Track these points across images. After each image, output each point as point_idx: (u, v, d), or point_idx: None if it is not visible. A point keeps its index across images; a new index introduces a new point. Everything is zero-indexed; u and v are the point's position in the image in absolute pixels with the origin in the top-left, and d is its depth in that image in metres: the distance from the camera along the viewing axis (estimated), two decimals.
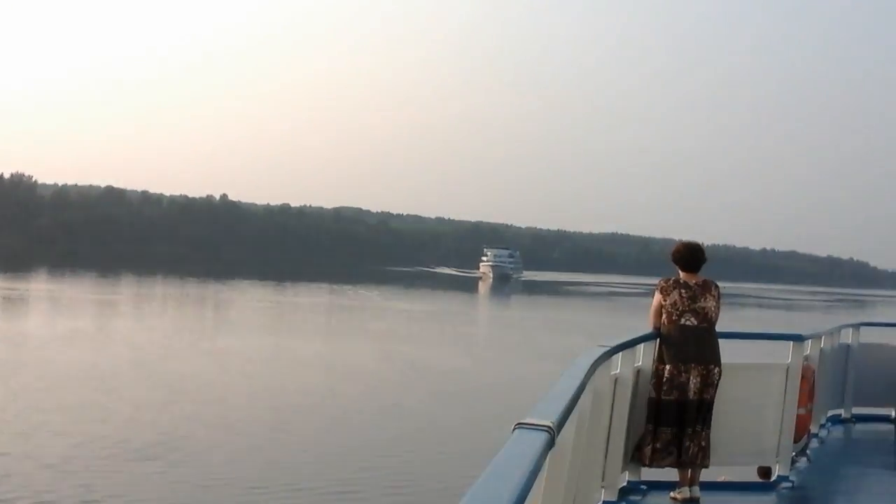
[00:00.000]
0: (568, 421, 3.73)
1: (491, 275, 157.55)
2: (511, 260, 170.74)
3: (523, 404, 3.51)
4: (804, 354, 9.11)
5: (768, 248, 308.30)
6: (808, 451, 9.97)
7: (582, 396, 4.44)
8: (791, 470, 8.91)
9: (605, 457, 7.33)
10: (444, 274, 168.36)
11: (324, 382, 29.84)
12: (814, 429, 10.73)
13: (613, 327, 52.00)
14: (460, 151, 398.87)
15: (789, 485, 8.77)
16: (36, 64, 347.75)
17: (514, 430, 3.00)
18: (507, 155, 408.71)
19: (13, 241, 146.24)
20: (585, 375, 4.70)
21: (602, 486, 7.44)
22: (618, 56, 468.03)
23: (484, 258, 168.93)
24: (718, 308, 7.96)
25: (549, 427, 3.05)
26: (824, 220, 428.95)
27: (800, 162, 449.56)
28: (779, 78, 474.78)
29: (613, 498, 7.57)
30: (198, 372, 30.76)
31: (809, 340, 9.53)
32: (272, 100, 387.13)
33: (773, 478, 8.83)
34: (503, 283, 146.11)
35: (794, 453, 9.13)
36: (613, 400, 7.35)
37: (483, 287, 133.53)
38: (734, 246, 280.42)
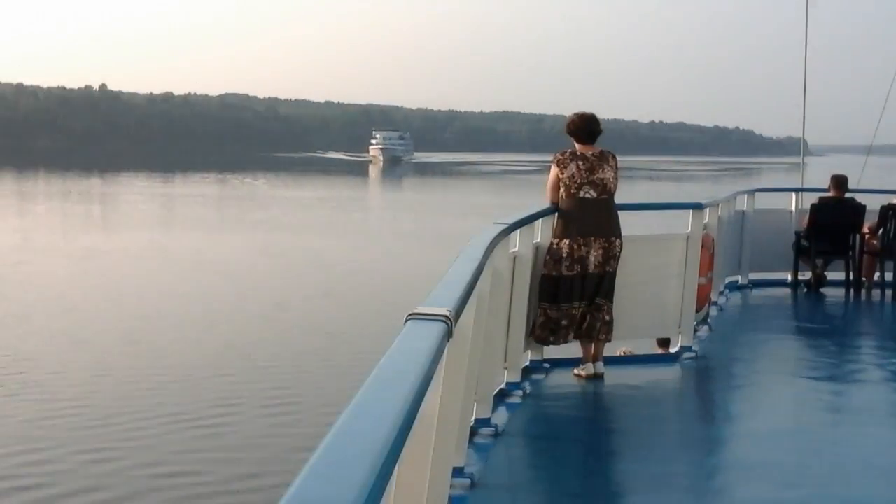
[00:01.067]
0: (466, 305, 3.55)
1: (381, 158, 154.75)
2: (401, 142, 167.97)
3: (419, 294, 3.20)
4: (703, 223, 9.04)
5: (656, 120, 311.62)
6: (708, 320, 10.02)
7: (480, 278, 4.22)
8: (693, 340, 8.92)
9: (507, 337, 7.21)
10: (333, 159, 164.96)
11: (194, 281, 27.78)
12: (713, 297, 10.77)
13: (508, 206, 51.23)
14: (347, 33, 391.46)
15: (692, 355, 8.79)
16: None
17: (405, 321, 2.74)
18: (395, 36, 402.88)
19: None
20: (483, 256, 4.49)
21: (504, 368, 7.33)
22: None
23: (373, 141, 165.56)
24: (617, 179, 7.81)
25: (445, 317, 2.81)
26: (710, 90, 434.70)
27: (684, 31, 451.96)
28: None
29: (517, 378, 7.43)
30: (54, 273, 28.65)
31: (707, 209, 9.42)
32: None
33: (676, 348, 8.91)
34: (394, 166, 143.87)
35: (695, 323, 9.15)
36: (513, 279, 7.22)
37: (373, 171, 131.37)
38: (623, 119, 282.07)
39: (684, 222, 8.92)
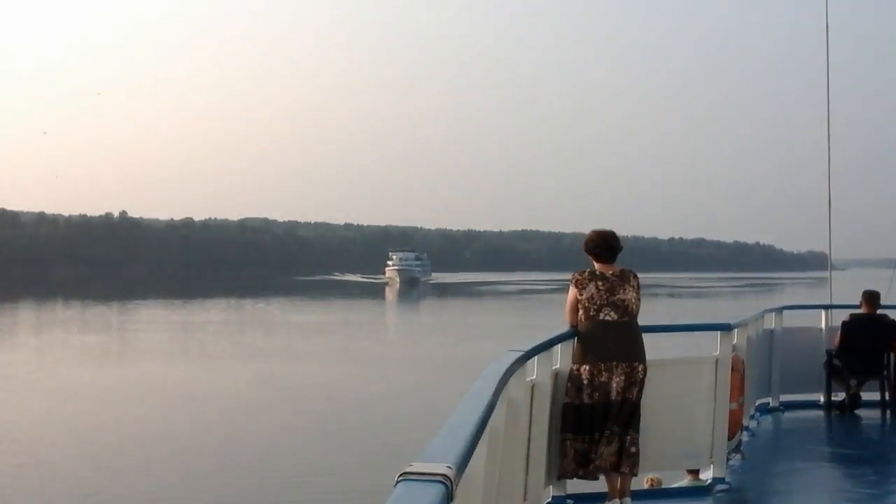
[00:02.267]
0: (476, 450, 3.19)
1: (398, 279, 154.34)
2: (418, 262, 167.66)
3: (425, 433, 3.04)
4: (732, 344, 8.70)
5: (676, 236, 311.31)
6: (741, 448, 9.48)
7: (494, 413, 3.94)
8: (726, 470, 8.43)
9: (526, 473, 6.67)
10: (350, 281, 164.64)
11: (178, 415, 26.67)
12: (744, 421, 10.28)
13: (527, 328, 50.18)
14: (364, 156, 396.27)
15: (725, 487, 8.28)
16: None
17: (396, 482, 2.41)
18: (413, 158, 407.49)
19: None
20: (495, 390, 4.16)
21: None
22: (509, 48, 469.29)
23: (389, 262, 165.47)
24: (639, 299, 7.41)
25: (443, 476, 2.46)
26: (730, 205, 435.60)
27: (703, 149, 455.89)
28: (678, 65, 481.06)
29: None
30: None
31: (736, 329, 9.02)
32: (168, 112, 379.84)
33: (708, 480, 8.39)
34: (411, 288, 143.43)
35: (727, 451, 8.65)
36: (532, 409, 6.77)
37: (390, 292, 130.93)
38: (643, 236, 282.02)
39: (710, 343, 8.51)
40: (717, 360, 8.33)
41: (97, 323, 69.21)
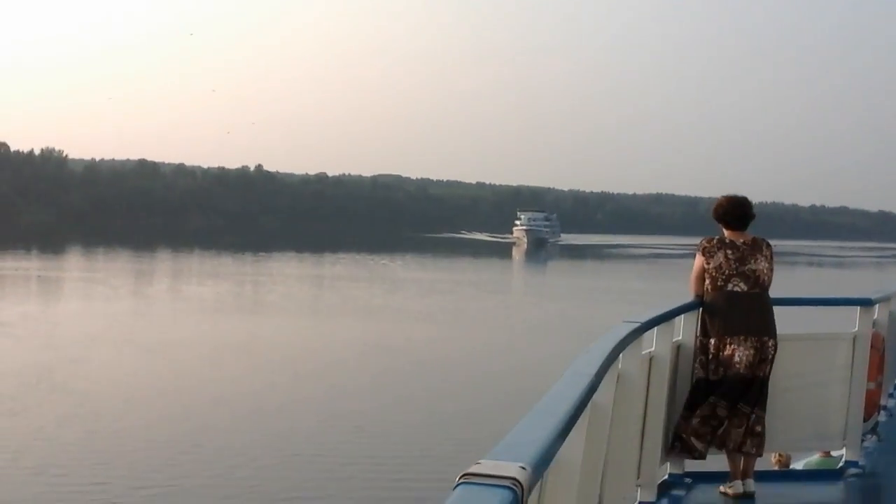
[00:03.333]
0: (581, 417, 3.18)
1: (525, 239, 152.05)
2: (547, 223, 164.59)
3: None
4: (872, 320, 8.02)
5: (818, 203, 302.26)
6: (877, 430, 8.71)
7: (600, 389, 3.77)
8: (860, 454, 7.89)
9: (641, 450, 6.42)
10: (477, 240, 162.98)
11: (258, 374, 25.79)
12: (882, 401, 9.45)
13: (654, 294, 48.01)
14: (501, 115, 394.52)
15: (859, 471, 7.78)
16: (70, 43, 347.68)
17: (456, 485, 2.14)
18: (549, 117, 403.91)
19: (44, 217, 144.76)
20: (602, 365, 3.86)
21: (637, 485, 6.47)
22: (651, 16, 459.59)
23: (517, 222, 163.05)
24: (771, 270, 6.96)
25: (511, 480, 2.16)
26: (875, 173, 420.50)
27: (849, 114, 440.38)
28: (822, 29, 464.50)
29: (652, 497, 6.62)
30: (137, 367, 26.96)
31: (878, 304, 8.23)
32: (308, 68, 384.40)
33: (840, 464, 7.95)
34: (538, 248, 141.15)
35: (862, 434, 8.06)
36: (649, 383, 6.42)
37: (517, 253, 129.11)
38: (782, 203, 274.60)
39: (844, 317, 8.04)
40: (855, 337, 7.80)
41: (221, 273, 69.27)
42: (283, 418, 20.83)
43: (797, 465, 9.95)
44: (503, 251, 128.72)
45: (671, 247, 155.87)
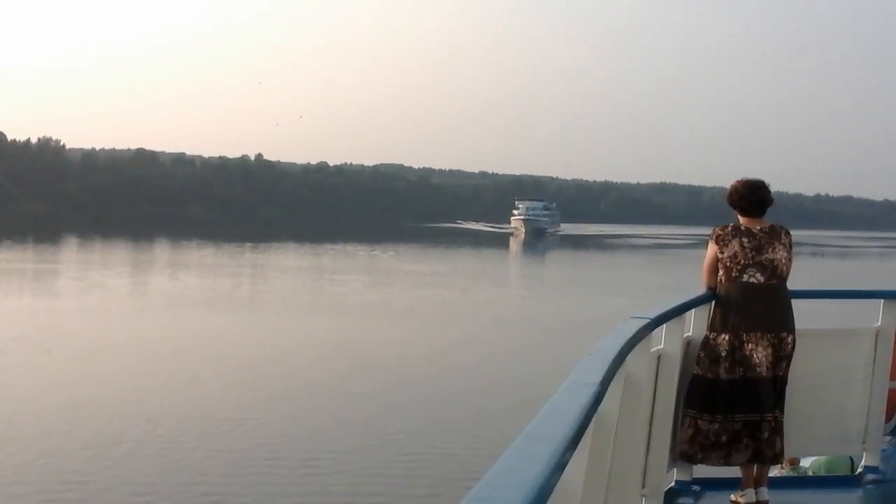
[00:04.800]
0: (584, 436, 2.96)
1: (523, 229, 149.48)
2: (546, 213, 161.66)
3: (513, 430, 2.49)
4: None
5: (822, 192, 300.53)
6: None
7: (606, 396, 3.51)
8: (880, 458, 7.40)
9: (647, 454, 5.92)
10: (474, 230, 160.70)
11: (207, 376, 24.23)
12: None
13: (657, 286, 46.55)
14: (503, 105, 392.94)
15: (879, 477, 7.32)
16: (68, 32, 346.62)
17: None
18: (551, 107, 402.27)
19: (41, 206, 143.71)
20: (608, 371, 3.52)
21: (642, 495, 5.89)
22: (652, 2, 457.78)
23: (515, 212, 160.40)
24: (790, 260, 6.55)
25: None
26: (880, 162, 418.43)
27: (853, 102, 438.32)
28: (821, 11, 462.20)
29: None
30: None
31: None
32: (309, 56, 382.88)
33: (859, 469, 7.56)
34: (537, 238, 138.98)
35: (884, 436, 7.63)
36: (656, 383, 5.94)
37: (514, 243, 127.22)
38: (786, 192, 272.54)
39: (859, 311, 7.90)
40: (877, 332, 7.33)
41: (210, 264, 67.75)
42: (257, 423, 19.40)
43: (804, 462, 9.79)
44: (501, 242, 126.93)
45: (674, 237, 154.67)
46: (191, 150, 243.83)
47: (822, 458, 9.34)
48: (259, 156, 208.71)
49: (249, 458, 17.28)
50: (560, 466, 2.41)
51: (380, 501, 15.70)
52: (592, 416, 3.13)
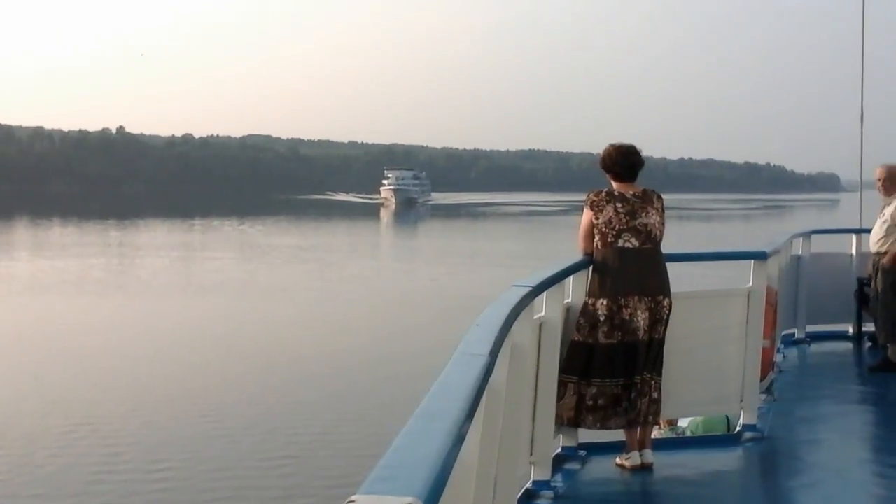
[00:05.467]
0: (478, 411, 2.96)
1: (394, 199, 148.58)
2: (416, 182, 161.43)
3: (406, 409, 2.45)
4: (766, 275, 7.83)
5: (686, 156, 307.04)
6: (772, 389, 8.72)
7: (494, 370, 3.46)
8: (757, 416, 7.68)
9: (533, 422, 6.10)
10: (343, 201, 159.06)
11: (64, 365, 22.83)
12: (774, 358, 9.62)
13: (530, 255, 46.14)
14: (371, 73, 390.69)
15: (757, 434, 7.54)
16: None
17: None
18: (420, 75, 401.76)
19: None
20: (495, 342, 3.51)
21: (531, 462, 6.08)
22: None
23: (385, 182, 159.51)
24: (664, 224, 6.66)
25: None
26: (740, 125, 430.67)
27: (712, 64, 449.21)
28: None
29: (546, 475, 6.17)
30: None
31: (769, 258, 8.00)
32: (175, 25, 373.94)
33: (738, 428, 7.76)
34: (408, 209, 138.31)
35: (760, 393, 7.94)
36: (539, 350, 6.08)
37: (385, 214, 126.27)
38: (652, 157, 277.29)
39: (719, 272, 8.22)
40: (749, 293, 7.55)
41: (57, 244, 64.59)
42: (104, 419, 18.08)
43: (682, 423, 9.92)
44: (372, 212, 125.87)
45: (544, 203, 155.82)
46: (49, 123, 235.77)
47: (699, 419, 9.43)
48: (121, 128, 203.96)
49: (89, 461, 16.07)
50: (459, 440, 2.34)
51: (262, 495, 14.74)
52: (485, 388, 3.11)
